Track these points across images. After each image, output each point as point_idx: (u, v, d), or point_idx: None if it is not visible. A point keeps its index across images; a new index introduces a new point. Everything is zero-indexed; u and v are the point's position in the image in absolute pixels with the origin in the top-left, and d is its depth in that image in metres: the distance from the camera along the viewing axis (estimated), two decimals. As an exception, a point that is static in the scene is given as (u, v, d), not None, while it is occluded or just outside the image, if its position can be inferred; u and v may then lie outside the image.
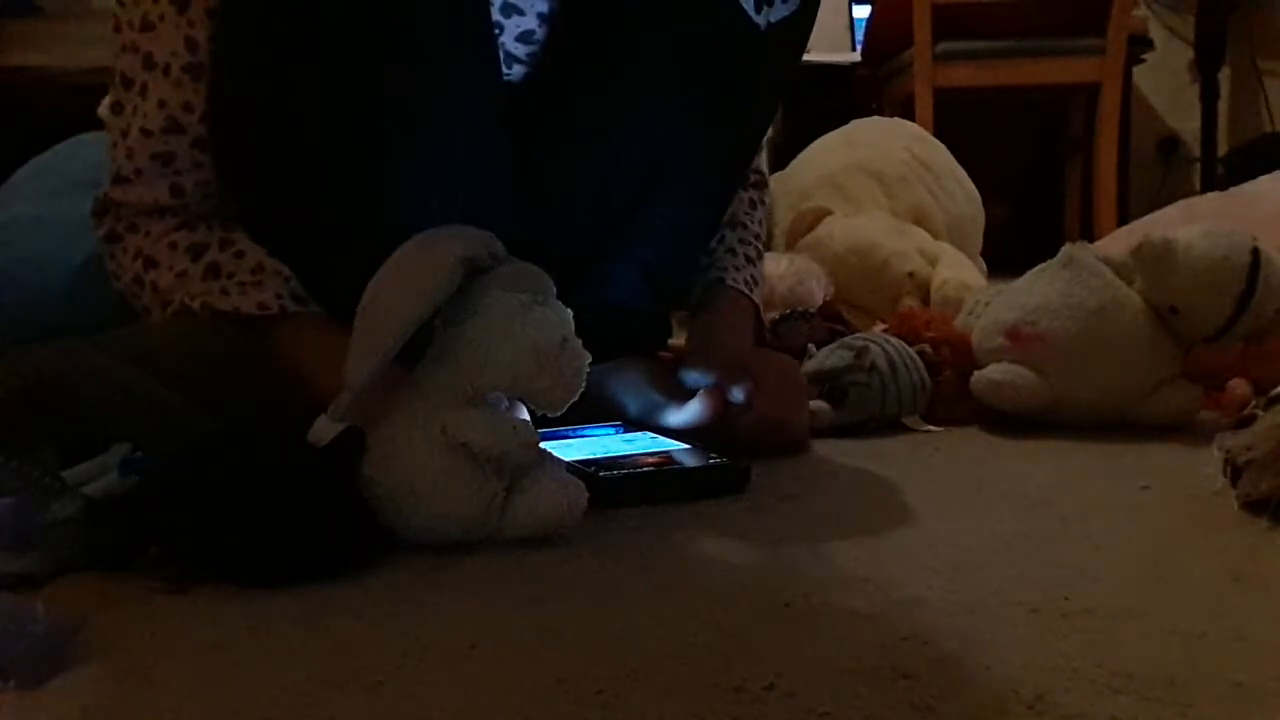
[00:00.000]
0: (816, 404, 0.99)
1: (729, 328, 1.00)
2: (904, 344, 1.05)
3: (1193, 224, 1.00)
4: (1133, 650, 0.50)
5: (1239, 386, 1.02)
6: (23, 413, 0.73)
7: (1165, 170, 3.50)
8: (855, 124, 1.92)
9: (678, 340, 1.11)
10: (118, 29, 0.84)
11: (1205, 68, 3.29)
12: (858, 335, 1.10)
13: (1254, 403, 0.79)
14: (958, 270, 1.55)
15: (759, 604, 0.58)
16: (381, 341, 0.65)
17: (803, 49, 0.96)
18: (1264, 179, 1.59)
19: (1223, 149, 3.34)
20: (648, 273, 0.96)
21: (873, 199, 1.71)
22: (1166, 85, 3.47)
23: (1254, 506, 0.71)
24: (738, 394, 0.87)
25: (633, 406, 0.94)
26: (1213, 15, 3.27)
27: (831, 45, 3.23)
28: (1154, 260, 0.97)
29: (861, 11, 3.26)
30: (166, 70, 0.83)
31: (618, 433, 0.90)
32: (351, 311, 0.67)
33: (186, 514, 0.62)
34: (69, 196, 1.13)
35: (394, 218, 0.80)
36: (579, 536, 0.69)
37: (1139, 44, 2.94)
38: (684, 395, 0.90)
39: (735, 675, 0.48)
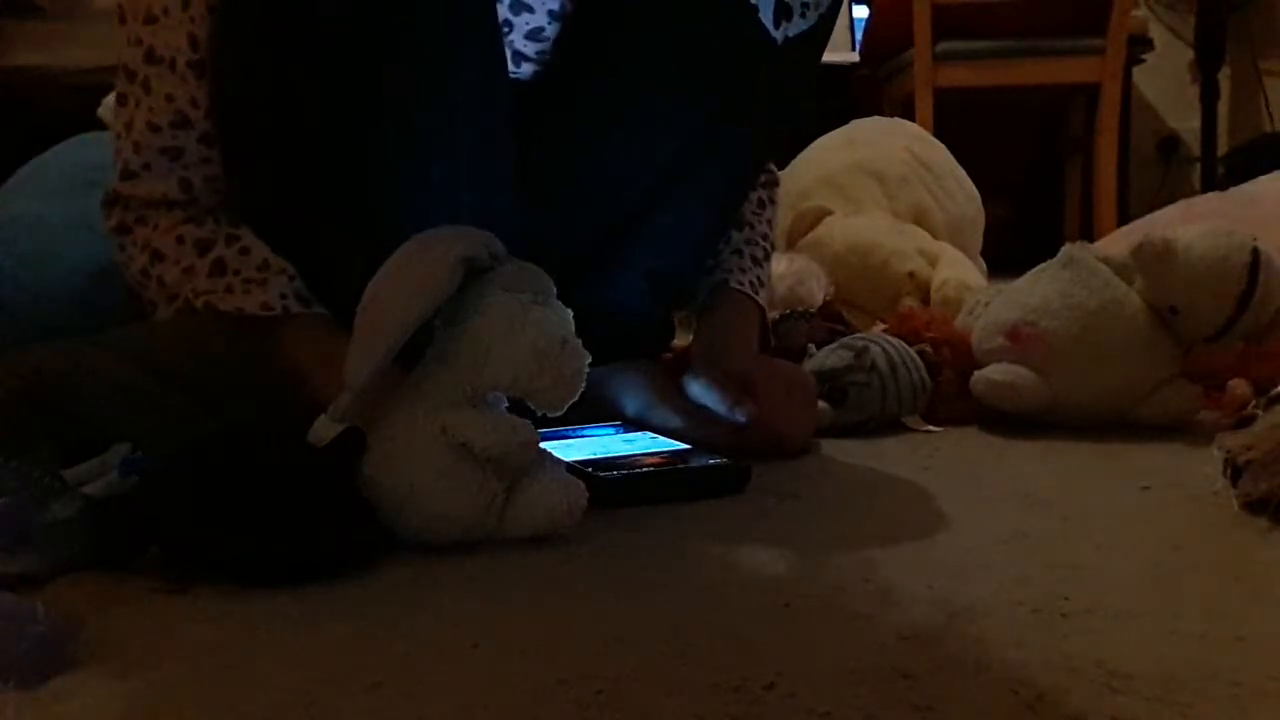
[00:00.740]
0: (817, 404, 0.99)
1: (734, 334, 0.99)
2: (904, 344, 1.05)
3: (1193, 224, 1.00)
4: (1133, 650, 0.50)
5: (1239, 386, 1.02)
6: (23, 413, 0.73)
7: (1165, 170, 3.50)
8: (855, 124, 1.92)
9: (680, 341, 1.11)
10: (122, 20, 0.84)
11: (1205, 68, 3.29)
12: (858, 335, 1.10)
13: (1254, 403, 0.79)
14: (958, 270, 1.55)
15: (759, 604, 0.58)
16: (381, 341, 0.65)
17: (819, 59, 0.95)
18: (1264, 179, 1.59)
19: (1223, 149, 3.34)
20: (651, 275, 0.96)
21: (873, 199, 1.70)
22: (1166, 85, 3.47)
23: (1254, 506, 0.71)
24: (740, 416, 0.87)
25: (632, 407, 0.94)
26: (1213, 15, 3.26)
27: (831, 45, 3.21)
28: (1154, 260, 0.97)
29: (861, 11, 3.25)
30: (172, 65, 0.83)
31: (618, 433, 0.90)
32: (352, 311, 0.67)
33: (186, 514, 0.62)
34: (69, 196, 1.13)
35: (394, 218, 0.80)
36: (579, 536, 0.69)
37: (1139, 44, 2.94)
38: (684, 398, 0.90)
39: (735, 675, 0.48)
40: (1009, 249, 1.77)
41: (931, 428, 1.02)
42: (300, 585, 0.61)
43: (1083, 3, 2.61)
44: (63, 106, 1.75)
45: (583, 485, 0.69)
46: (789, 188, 1.76)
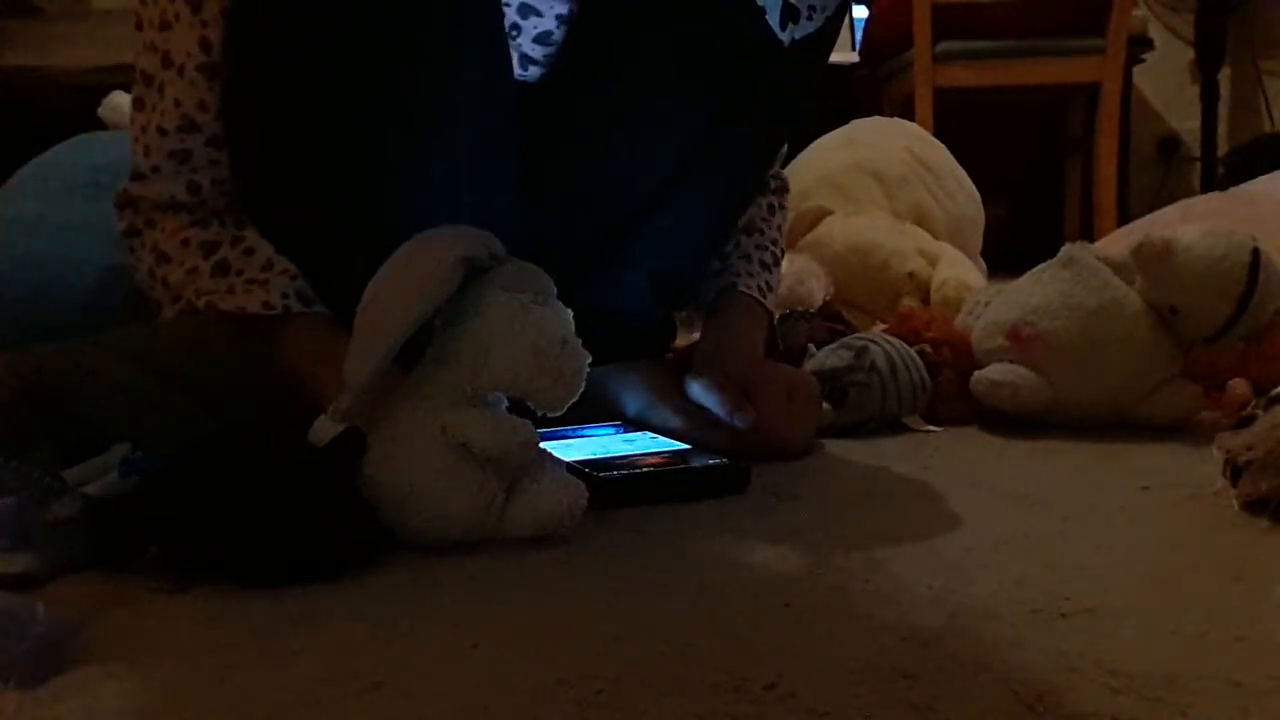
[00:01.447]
0: (816, 404, 0.99)
1: (738, 336, 0.99)
2: (904, 344, 1.05)
3: (1192, 224, 1.00)
4: (1133, 650, 0.50)
5: (1239, 386, 1.02)
6: (23, 413, 0.73)
7: (1165, 170, 3.50)
8: (855, 124, 1.92)
9: (680, 341, 1.11)
10: (139, 27, 0.85)
11: (1205, 68, 3.29)
12: (858, 335, 1.10)
13: (1254, 403, 0.79)
14: (958, 270, 1.55)
15: (759, 604, 0.58)
16: (381, 341, 0.65)
17: (825, 61, 0.95)
18: (1264, 179, 1.59)
19: (1223, 149, 3.34)
20: (652, 276, 0.96)
21: (873, 199, 1.70)
22: (1166, 85, 3.47)
23: (1254, 506, 0.71)
24: (740, 421, 0.87)
25: (632, 407, 0.94)
26: (1213, 15, 3.27)
27: (831, 45, 3.22)
28: (1154, 260, 0.97)
29: (861, 11, 3.25)
30: (182, 70, 0.83)
31: (618, 433, 0.90)
32: (352, 311, 0.67)
33: (186, 514, 0.62)
34: (69, 196, 1.13)
35: (395, 218, 0.80)
36: (579, 536, 0.69)
37: (1139, 44, 2.94)
38: (684, 399, 0.90)
39: (735, 675, 0.48)
40: (1009, 249, 1.77)
41: (931, 428, 1.02)
42: (300, 585, 0.61)
43: (1083, 3, 2.61)
44: (63, 106, 1.74)
45: (583, 485, 0.69)
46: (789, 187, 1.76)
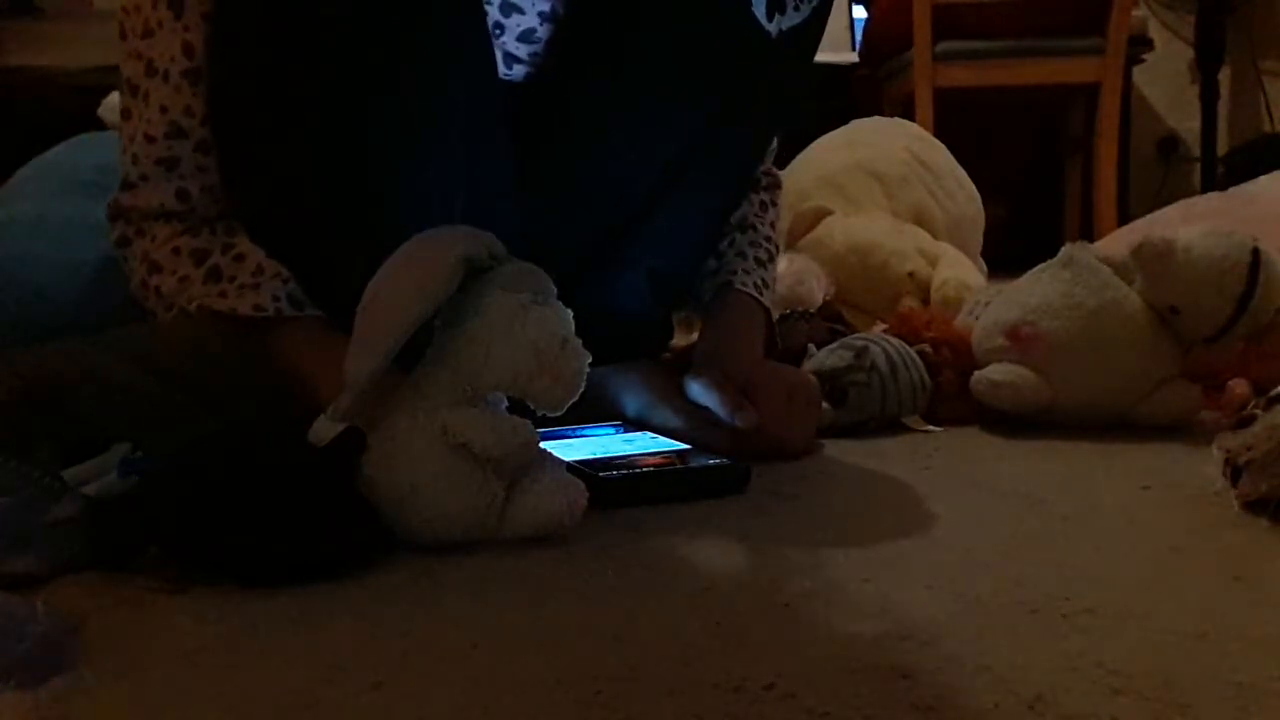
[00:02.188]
0: (816, 404, 0.99)
1: (737, 336, 0.99)
2: (904, 344, 1.05)
3: (1193, 224, 1.00)
4: (1133, 650, 0.50)
5: (1239, 386, 1.02)
6: (23, 413, 0.73)
7: (1165, 170, 3.50)
8: (855, 124, 1.92)
9: (680, 341, 1.11)
10: (123, 35, 0.85)
11: (1205, 68, 3.29)
12: (858, 335, 1.10)
13: (1254, 403, 0.79)
14: (958, 270, 1.55)
15: (759, 604, 0.58)
16: (381, 342, 0.65)
17: (813, 55, 0.95)
18: (1264, 179, 1.59)
19: (1223, 149, 3.34)
20: (652, 276, 0.96)
21: (873, 199, 1.70)
22: (1166, 85, 3.47)
23: (1254, 506, 0.71)
24: (740, 421, 0.87)
25: (632, 407, 0.94)
26: (1213, 15, 3.26)
27: (831, 45, 3.22)
28: (1154, 260, 0.97)
29: (861, 11, 3.26)
30: (166, 76, 0.83)
31: (618, 433, 0.90)
32: (351, 312, 0.67)
33: (186, 514, 0.62)
34: (69, 196, 1.13)
35: (394, 218, 0.80)
36: (579, 536, 0.69)
37: (1139, 44, 2.94)
38: (684, 399, 0.90)
39: (735, 675, 0.48)
40: (1009, 249, 1.77)
41: (931, 428, 1.02)
42: (300, 585, 0.61)
43: (1083, 3, 2.61)
44: (63, 106, 1.75)
45: (583, 485, 0.69)
46: (789, 187, 1.75)
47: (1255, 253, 0.95)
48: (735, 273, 1.02)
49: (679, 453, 0.83)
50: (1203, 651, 0.50)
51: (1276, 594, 0.59)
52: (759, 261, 1.04)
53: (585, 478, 0.71)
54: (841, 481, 0.85)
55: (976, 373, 1.02)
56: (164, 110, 0.84)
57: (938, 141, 1.89)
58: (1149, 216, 1.67)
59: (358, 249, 0.73)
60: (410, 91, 0.80)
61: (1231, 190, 1.64)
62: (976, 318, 1.09)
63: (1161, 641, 0.52)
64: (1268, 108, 3.42)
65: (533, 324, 0.67)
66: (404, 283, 0.66)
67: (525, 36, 0.87)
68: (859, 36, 3.23)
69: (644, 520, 0.73)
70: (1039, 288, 1.02)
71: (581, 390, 0.68)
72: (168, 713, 0.47)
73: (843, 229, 1.60)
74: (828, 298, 1.41)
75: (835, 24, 3.34)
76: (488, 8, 0.84)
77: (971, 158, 1.88)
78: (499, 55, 0.87)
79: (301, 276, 0.84)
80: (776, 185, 1.13)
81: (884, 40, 2.89)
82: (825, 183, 1.73)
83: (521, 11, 0.86)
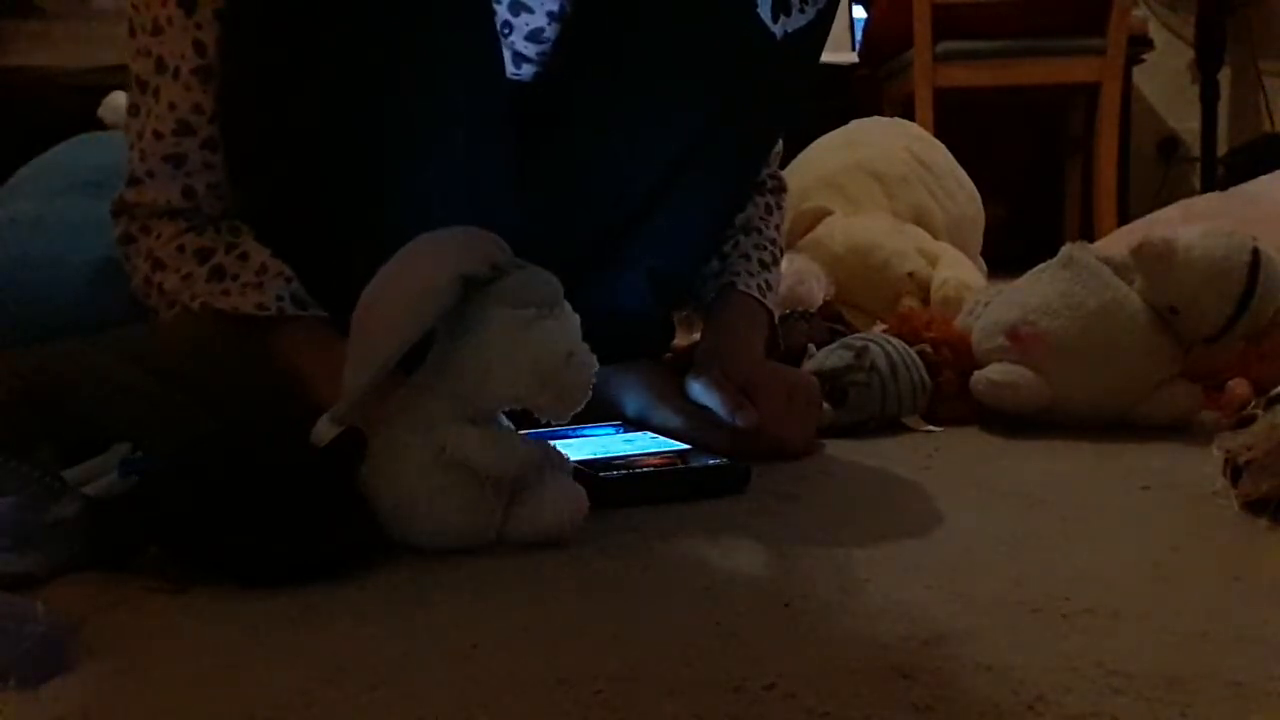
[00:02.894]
0: (816, 404, 0.99)
1: (738, 337, 0.99)
2: (904, 344, 1.05)
3: (1193, 224, 1.00)
4: (1133, 650, 0.50)
5: (1239, 386, 1.02)
6: (23, 413, 0.73)
7: (1165, 170, 3.50)
8: (855, 124, 1.92)
9: (680, 341, 1.11)
10: (132, 33, 0.85)
11: (1205, 68, 3.29)
12: (858, 335, 1.10)
13: (1254, 403, 0.79)
14: (958, 270, 1.55)
15: (759, 604, 0.58)
16: (375, 360, 0.64)
17: (818, 57, 0.95)
18: (1264, 179, 1.59)
19: (1223, 149, 3.34)
20: (652, 276, 0.96)
21: (873, 199, 1.70)
22: (1166, 85, 3.47)
23: (1254, 506, 0.71)
24: (742, 422, 0.87)
25: (632, 407, 0.94)
26: (1213, 15, 3.26)
27: (831, 45, 3.21)
28: (1154, 260, 0.97)
29: (861, 12, 3.25)
30: (176, 73, 0.83)
31: (618, 433, 0.90)
32: (352, 311, 0.67)
33: (186, 514, 0.62)
34: (70, 196, 1.13)
35: (394, 217, 0.80)
36: (579, 536, 0.69)
37: (1139, 44, 2.94)
38: (684, 399, 0.90)
39: (735, 675, 0.48)
40: (1009, 249, 1.77)
41: (931, 428, 1.02)
42: (300, 585, 0.61)
43: (1083, 3, 2.61)
44: (63, 106, 1.75)
45: (584, 494, 0.69)
46: (788, 187, 1.76)
47: (1255, 253, 0.95)
48: (738, 274, 1.02)
49: (679, 453, 0.83)
50: (1203, 651, 0.50)
51: (1276, 594, 0.59)
52: (762, 264, 1.04)
53: (585, 478, 0.71)
54: (841, 481, 0.85)
55: (976, 373, 1.02)
56: (173, 107, 0.84)
57: (938, 141, 1.89)
58: (1149, 216, 1.67)
59: (359, 248, 0.73)
60: (411, 91, 0.80)
61: (1231, 190, 1.64)
62: (976, 318, 1.09)
63: (1161, 641, 0.52)
64: (1268, 108, 3.41)
65: (534, 342, 0.65)
66: (397, 299, 0.65)
67: (534, 36, 0.87)
68: (859, 36, 3.23)
69: (644, 520, 0.73)
70: (1039, 288, 1.02)
71: (587, 400, 0.68)
72: (167, 713, 0.47)
73: (843, 229, 1.60)
74: (828, 298, 1.41)
75: (835, 24, 3.32)
76: (496, 6, 0.84)
77: (971, 158, 1.88)
78: (508, 55, 0.87)
79: (304, 275, 0.84)
80: (782, 189, 1.13)
81: (884, 40, 2.88)
82: (825, 183, 1.73)
83: (530, 11, 0.86)
